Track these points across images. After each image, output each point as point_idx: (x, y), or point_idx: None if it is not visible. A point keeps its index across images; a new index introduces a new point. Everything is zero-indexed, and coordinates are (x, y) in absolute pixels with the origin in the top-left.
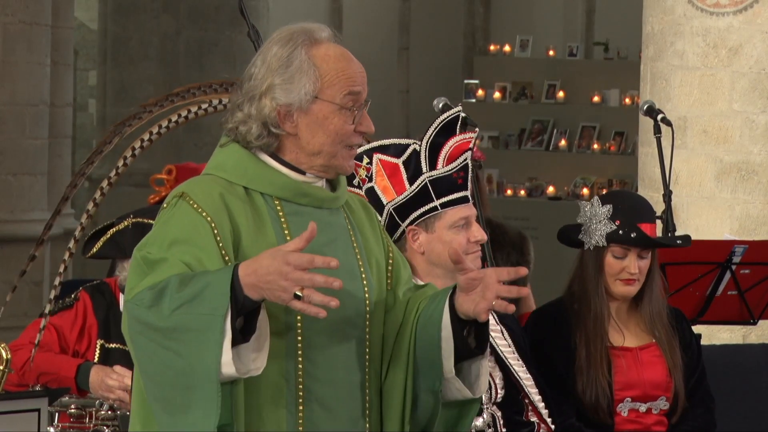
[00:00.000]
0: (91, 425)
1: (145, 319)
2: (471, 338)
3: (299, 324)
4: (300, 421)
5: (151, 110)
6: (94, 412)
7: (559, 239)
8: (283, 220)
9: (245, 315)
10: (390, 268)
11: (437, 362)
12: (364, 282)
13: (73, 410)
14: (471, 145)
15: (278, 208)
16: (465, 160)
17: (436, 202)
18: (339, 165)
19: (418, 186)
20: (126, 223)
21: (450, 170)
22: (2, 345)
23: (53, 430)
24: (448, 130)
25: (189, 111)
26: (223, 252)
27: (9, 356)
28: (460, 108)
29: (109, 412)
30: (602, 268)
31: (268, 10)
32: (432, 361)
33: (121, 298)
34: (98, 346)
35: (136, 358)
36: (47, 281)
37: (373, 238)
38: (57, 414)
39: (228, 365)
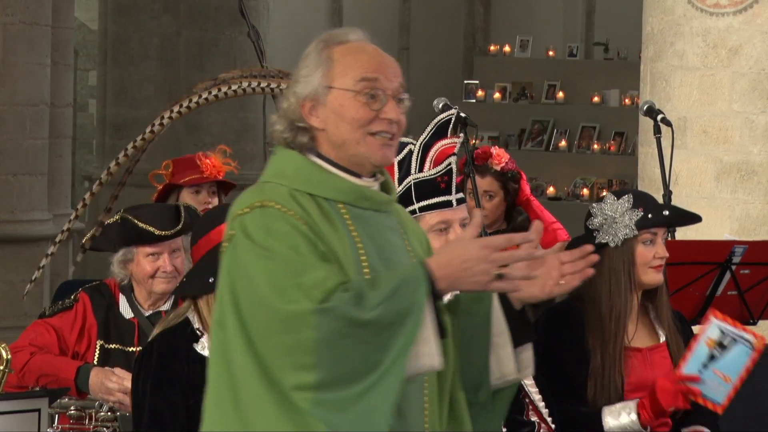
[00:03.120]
0: (91, 427)
1: (349, 314)
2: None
3: None
4: None
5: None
6: (93, 414)
7: None
8: (350, 223)
9: None
10: None
11: (482, 361)
12: None
13: (72, 412)
14: (455, 150)
15: (343, 211)
16: (449, 164)
17: (415, 206)
18: (365, 153)
19: (404, 188)
20: (116, 217)
21: (435, 174)
22: (2, 345)
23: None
24: (440, 132)
25: (229, 87)
26: (318, 243)
27: (9, 356)
28: (453, 111)
29: (109, 414)
30: (634, 260)
31: (268, 10)
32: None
33: (121, 298)
34: (98, 346)
35: (322, 353)
36: (47, 281)
37: (417, 241)
38: (57, 415)
39: (431, 356)
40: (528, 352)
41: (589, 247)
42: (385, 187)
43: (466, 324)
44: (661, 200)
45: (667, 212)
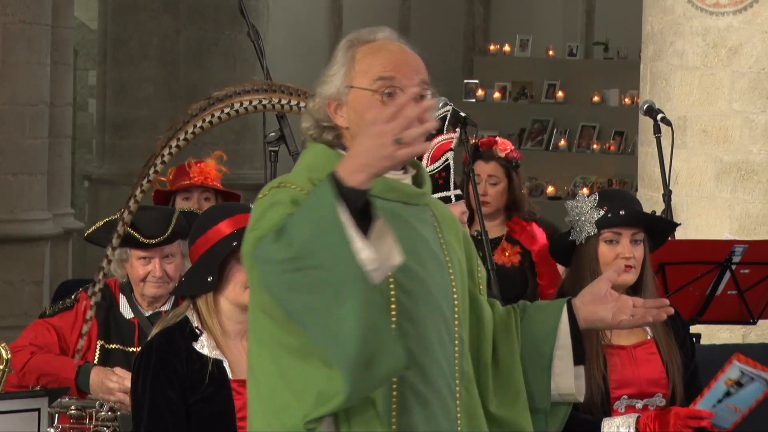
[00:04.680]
0: (91, 426)
1: (274, 255)
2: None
3: (394, 312)
4: (393, 408)
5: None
6: (94, 413)
7: (552, 254)
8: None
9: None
10: (479, 274)
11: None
12: (452, 277)
13: (73, 411)
14: (452, 145)
15: None
16: (446, 160)
17: None
18: None
19: None
20: (118, 215)
21: (432, 170)
22: (2, 345)
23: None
24: (436, 129)
25: (222, 111)
26: None
27: (9, 356)
28: (449, 108)
29: (109, 413)
30: (597, 259)
31: (268, 10)
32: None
33: (121, 298)
34: (98, 346)
35: (280, 303)
36: (47, 281)
37: (453, 234)
38: (57, 415)
39: (363, 250)
40: (582, 379)
41: (664, 301)
42: (418, 180)
43: (532, 332)
44: (661, 200)
45: (623, 212)
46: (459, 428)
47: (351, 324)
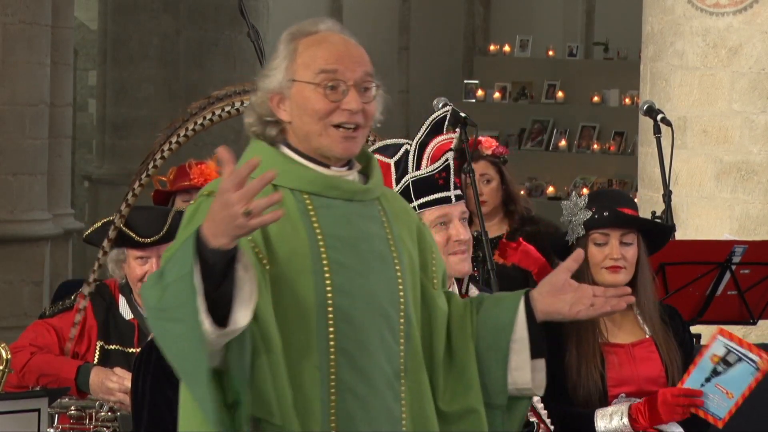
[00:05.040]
0: (91, 426)
1: (149, 300)
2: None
3: (330, 314)
4: (332, 411)
5: (196, 113)
6: (93, 414)
7: (554, 253)
8: (312, 213)
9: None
10: (434, 268)
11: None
12: (399, 274)
13: (73, 411)
14: (453, 145)
15: (307, 202)
16: (447, 160)
17: (414, 203)
18: (328, 145)
19: (402, 186)
20: (114, 216)
21: (432, 171)
22: (2, 345)
23: None
24: (435, 130)
25: (222, 109)
26: (249, 238)
27: (9, 356)
28: (448, 108)
29: (109, 414)
30: (586, 260)
31: (268, 10)
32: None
33: (121, 299)
34: (98, 347)
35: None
36: (47, 281)
37: (406, 230)
38: (57, 415)
39: (204, 322)
40: (542, 372)
41: (627, 289)
42: (369, 174)
43: (488, 325)
44: (661, 200)
45: (606, 213)
46: (403, 428)
47: (201, 389)
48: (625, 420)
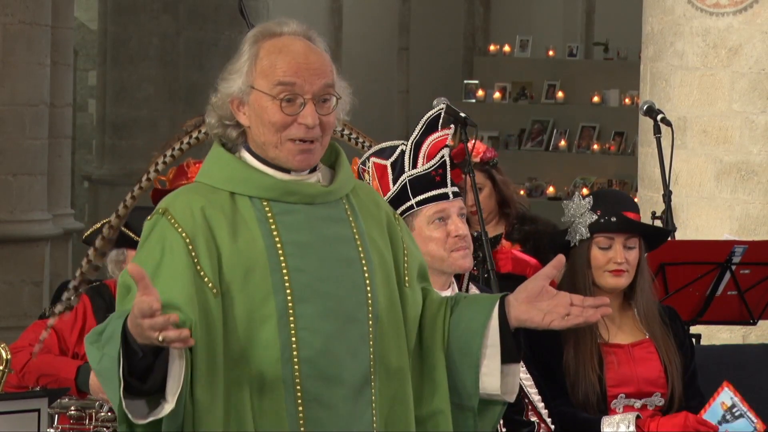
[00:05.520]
0: (91, 427)
1: (89, 357)
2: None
3: (292, 324)
4: (301, 422)
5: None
6: (93, 414)
7: (550, 251)
8: (271, 221)
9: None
10: (406, 263)
11: (470, 367)
12: (366, 275)
13: (72, 412)
14: (448, 142)
15: (266, 209)
16: (443, 157)
17: (412, 201)
18: (285, 158)
19: (399, 186)
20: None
21: (429, 168)
22: (2, 345)
23: None
24: (430, 129)
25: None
26: (198, 267)
27: (9, 356)
28: (442, 106)
29: (109, 414)
30: (589, 263)
31: (268, 10)
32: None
33: None
34: None
35: None
36: (47, 281)
37: (376, 227)
38: (57, 415)
39: (128, 414)
40: (514, 377)
41: (605, 300)
42: (336, 173)
43: (461, 327)
44: (661, 200)
45: (614, 219)
46: (374, 430)
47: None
48: (632, 428)
